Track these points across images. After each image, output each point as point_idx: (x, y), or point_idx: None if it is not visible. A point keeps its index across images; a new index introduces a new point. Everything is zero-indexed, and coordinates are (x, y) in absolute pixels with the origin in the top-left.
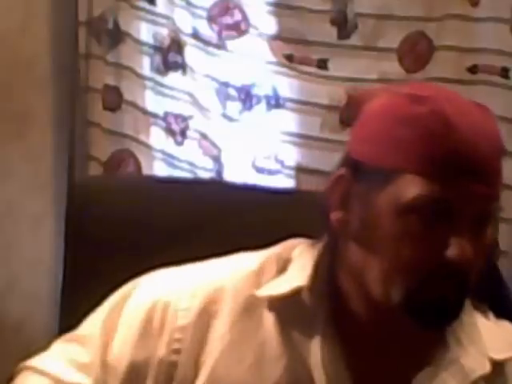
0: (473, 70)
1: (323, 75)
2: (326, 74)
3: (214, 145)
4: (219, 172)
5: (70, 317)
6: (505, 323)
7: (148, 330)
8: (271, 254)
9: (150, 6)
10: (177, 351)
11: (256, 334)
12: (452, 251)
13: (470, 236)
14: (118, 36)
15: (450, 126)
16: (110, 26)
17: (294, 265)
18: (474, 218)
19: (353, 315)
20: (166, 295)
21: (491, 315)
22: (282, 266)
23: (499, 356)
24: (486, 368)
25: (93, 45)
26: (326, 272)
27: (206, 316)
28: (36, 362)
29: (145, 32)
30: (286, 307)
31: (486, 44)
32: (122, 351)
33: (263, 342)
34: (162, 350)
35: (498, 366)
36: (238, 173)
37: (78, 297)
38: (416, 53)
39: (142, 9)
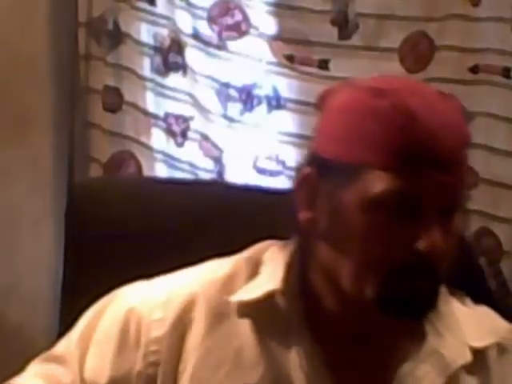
0: (474, 69)
1: (324, 76)
2: (327, 74)
3: (214, 146)
4: (220, 173)
5: (70, 318)
6: (482, 308)
7: (124, 344)
8: (242, 259)
9: (150, 6)
10: (154, 363)
11: (232, 340)
12: (422, 244)
13: (439, 226)
14: (118, 37)
15: (412, 118)
16: (110, 26)
17: (266, 268)
18: (442, 209)
19: (328, 314)
20: (140, 307)
21: (468, 301)
22: (254, 270)
23: (479, 344)
24: (467, 357)
25: (93, 46)
26: (298, 273)
27: (180, 326)
28: (16, 382)
29: (145, 33)
30: (260, 312)
31: (488, 44)
32: (100, 367)
33: (240, 348)
34: (139, 364)
35: (478, 353)
36: (239, 174)
37: (78, 298)
38: (417, 53)
39: (142, 9)
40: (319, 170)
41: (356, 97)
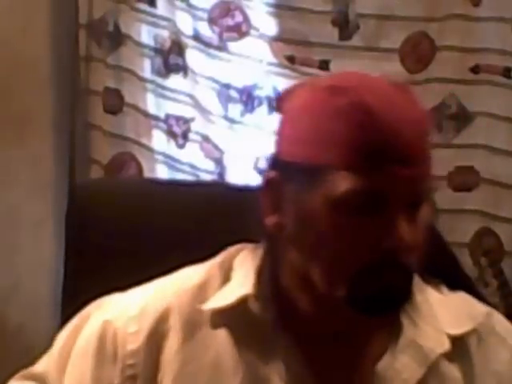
0: (475, 69)
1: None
2: (327, 75)
3: (215, 147)
4: (221, 174)
5: (71, 320)
6: (459, 295)
7: (102, 359)
8: (214, 264)
9: (151, 8)
10: (132, 377)
11: (209, 349)
12: (389, 240)
13: (407, 220)
14: (118, 38)
15: (370, 115)
16: (111, 28)
17: (237, 273)
18: (407, 202)
19: (302, 316)
20: (115, 321)
21: (444, 289)
22: (226, 276)
23: (456, 331)
24: (445, 345)
25: (93, 47)
26: (269, 277)
27: (155, 337)
28: None
29: (145, 34)
30: (235, 318)
31: (488, 44)
32: None
33: (217, 356)
34: (117, 378)
35: (458, 341)
36: (240, 175)
37: (79, 300)
38: (418, 53)
39: (143, 11)
40: (283, 174)
41: (314, 97)
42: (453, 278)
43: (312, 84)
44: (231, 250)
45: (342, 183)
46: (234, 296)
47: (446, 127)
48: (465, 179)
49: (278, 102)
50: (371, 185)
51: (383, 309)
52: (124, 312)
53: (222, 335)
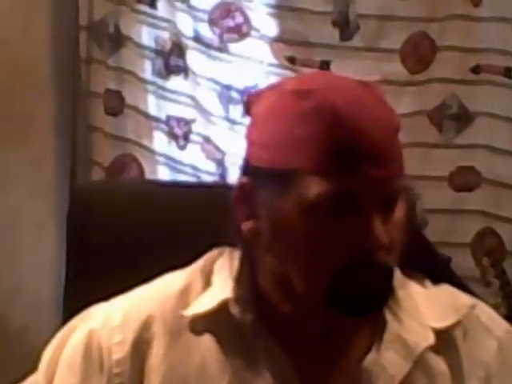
0: (476, 70)
1: None
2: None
3: (217, 148)
4: (223, 175)
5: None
6: (443, 288)
7: (89, 371)
8: (195, 269)
9: (151, 9)
10: None
11: (194, 353)
12: (365, 240)
13: (382, 219)
14: (119, 40)
15: (337, 116)
16: (111, 30)
17: (217, 278)
18: (380, 201)
19: (284, 319)
20: (99, 332)
21: (428, 283)
22: (207, 281)
23: (440, 324)
24: (430, 339)
25: (94, 49)
26: (247, 281)
27: (140, 346)
28: None
29: (146, 36)
30: (217, 322)
31: (489, 44)
32: None
33: (203, 360)
34: None
35: (443, 334)
36: None
37: (81, 301)
38: (419, 53)
39: (143, 12)
40: (254, 179)
41: (280, 101)
42: (435, 272)
43: (278, 87)
44: (212, 253)
45: (314, 187)
46: (214, 301)
47: (446, 127)
48: (466, 179)
49: (246, 106)
50: (342, 187)
51: (363, 309)
52: (107, 322)
53: (207, 340)
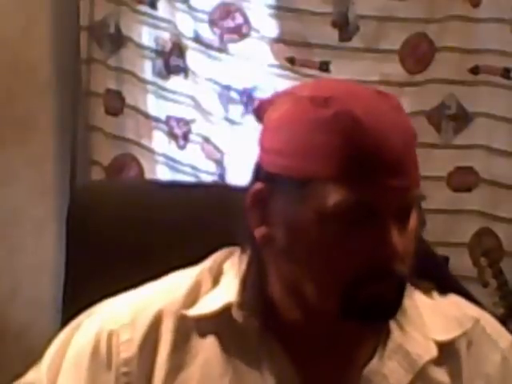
0: (474, 70)
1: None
2: (327, 76)
3: (216, 148)
4: (222, 175)
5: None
6: (450, 298)
7: (97, 368)
8: (205, 269)
9: (152, 10)
10: None
11: (198, 354)
12: (383, 250)
13: (397, 229)
14: (119, 40)
15: (357, 125)
16: (112, 30)
17: (225, 279)
18: (397, 212)
19: (291, 326)
20: (108, 330)
21: (435, 294)
22: (215, 280)
23: (444, 337)
24: (433, 352)
25: (94, 49)
26: (254, 286)
27: (148, 345)
28: None
29: (146, 36)
30: (220, 324)
31: (488, 45)
32: None
33: (206, 362)
34: None
35: (446, 346)
36: (240, 176)
37: (80, 302)
38: (418, 54)
39: (144, 13)
40: (269, 186)
41: (298, 108)
42: (440, 281)
43: (293, 93)
44: (221, 253)
45: (332, 196)
46: (218, 303)
47: (445, 128)
48: (464, 180)
49: (258, 112)
50: (361, 196)
51: (377, 318)
52: (116, 320)
53: (210, 341)
